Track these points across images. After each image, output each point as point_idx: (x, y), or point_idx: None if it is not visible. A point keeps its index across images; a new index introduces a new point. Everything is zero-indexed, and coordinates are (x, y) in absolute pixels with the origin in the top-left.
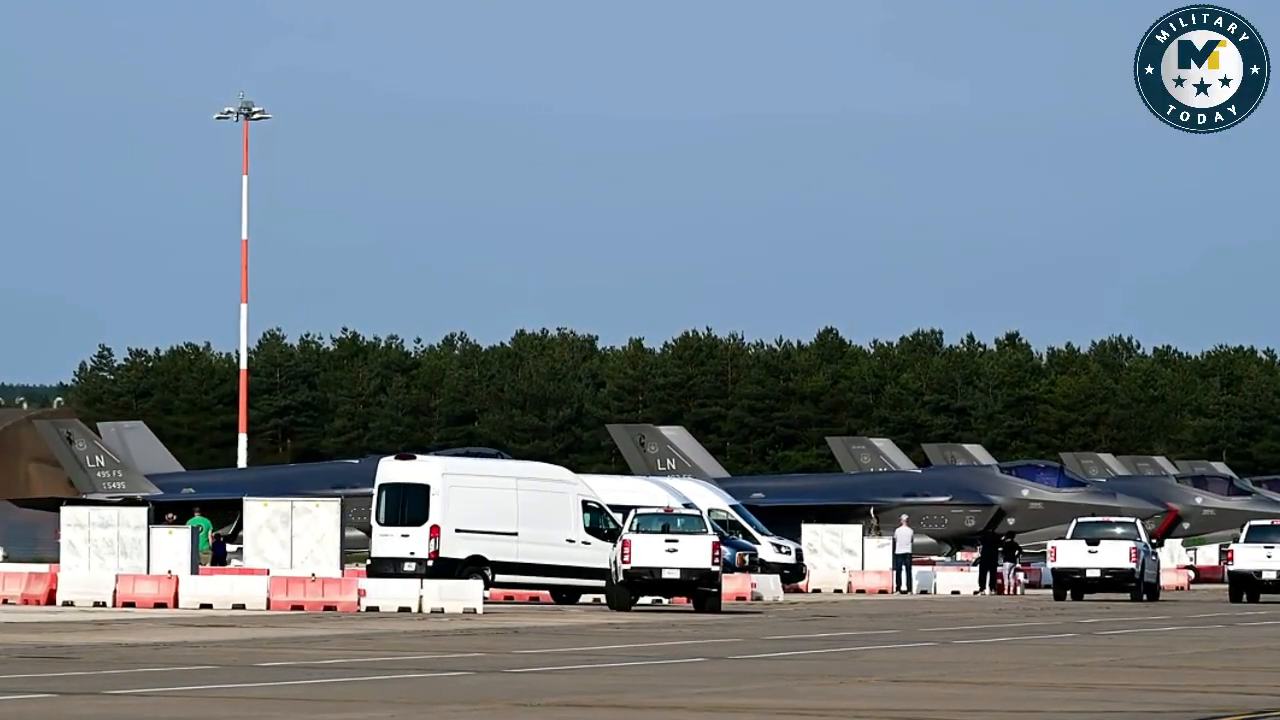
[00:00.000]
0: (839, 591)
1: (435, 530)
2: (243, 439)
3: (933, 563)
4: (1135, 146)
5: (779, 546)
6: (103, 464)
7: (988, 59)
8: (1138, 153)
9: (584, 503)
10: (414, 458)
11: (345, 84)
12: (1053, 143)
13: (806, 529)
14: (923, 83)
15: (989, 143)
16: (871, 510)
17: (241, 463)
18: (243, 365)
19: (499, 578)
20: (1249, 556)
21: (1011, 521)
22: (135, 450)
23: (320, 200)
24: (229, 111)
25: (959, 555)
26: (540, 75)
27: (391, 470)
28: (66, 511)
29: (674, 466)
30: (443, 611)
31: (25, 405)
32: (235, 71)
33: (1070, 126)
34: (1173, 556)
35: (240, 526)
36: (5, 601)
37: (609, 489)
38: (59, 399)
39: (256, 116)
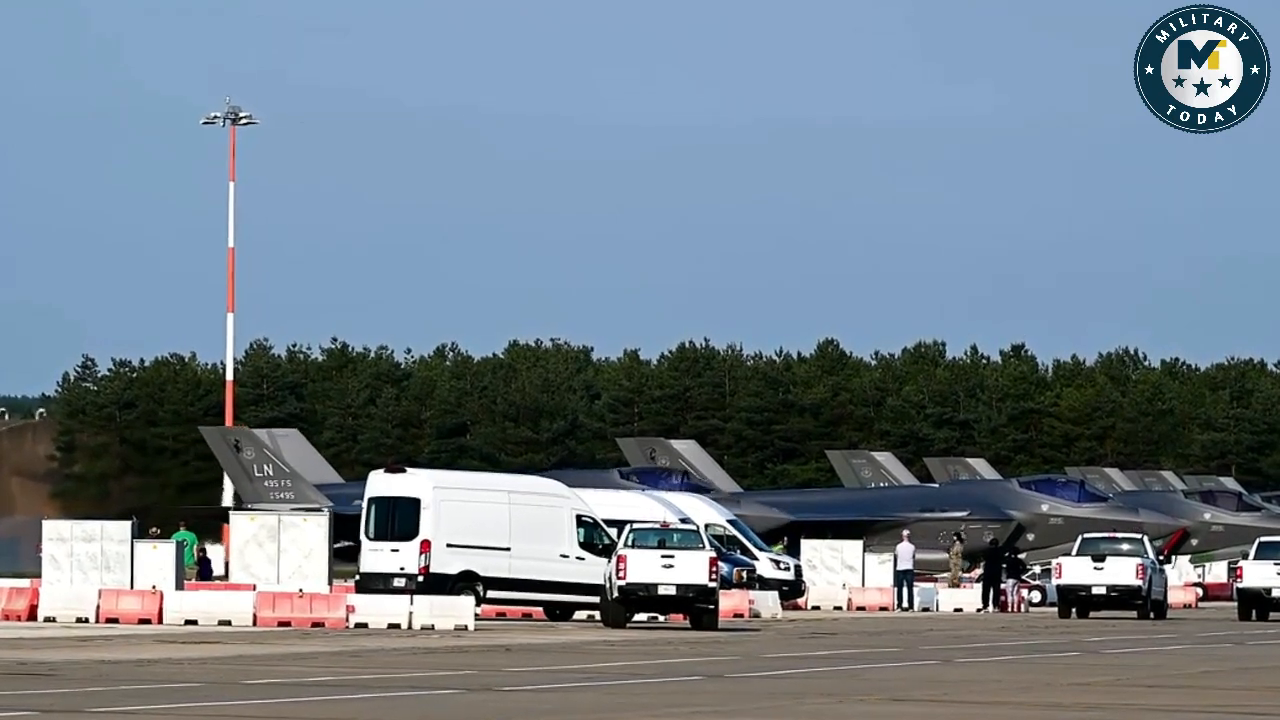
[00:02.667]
0: (839, 609)
1: (426, 545)
2: None
3: (934, 579)
4: (1135, 147)
5: (778, 562)
6: (270, 473)
7: (987, 63)
8: (1138, 154)
9: (578, 517)
10: (404, 470)
11: (335, 89)
12: (1054, 147)
13: (806, 544)
14: (922, 89)
15: (990, 149)
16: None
17: (227, 476)
18: (229, 376)
19: (491, 594)
20: (1259, 574)
21: (1031, 537)
22: (292, 459)
23: (309, 207)
24: (215, 116)
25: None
26: (534, 80)
27: (381, 483)
28: (48, 525)
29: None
30: (433, 628)
31: (6, 416)
32: (222, 76)
33: (1071, 129)
34: (1180, 573)
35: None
36: None
37: (604, 503)
38: (41, 410)
39: (243, 122)
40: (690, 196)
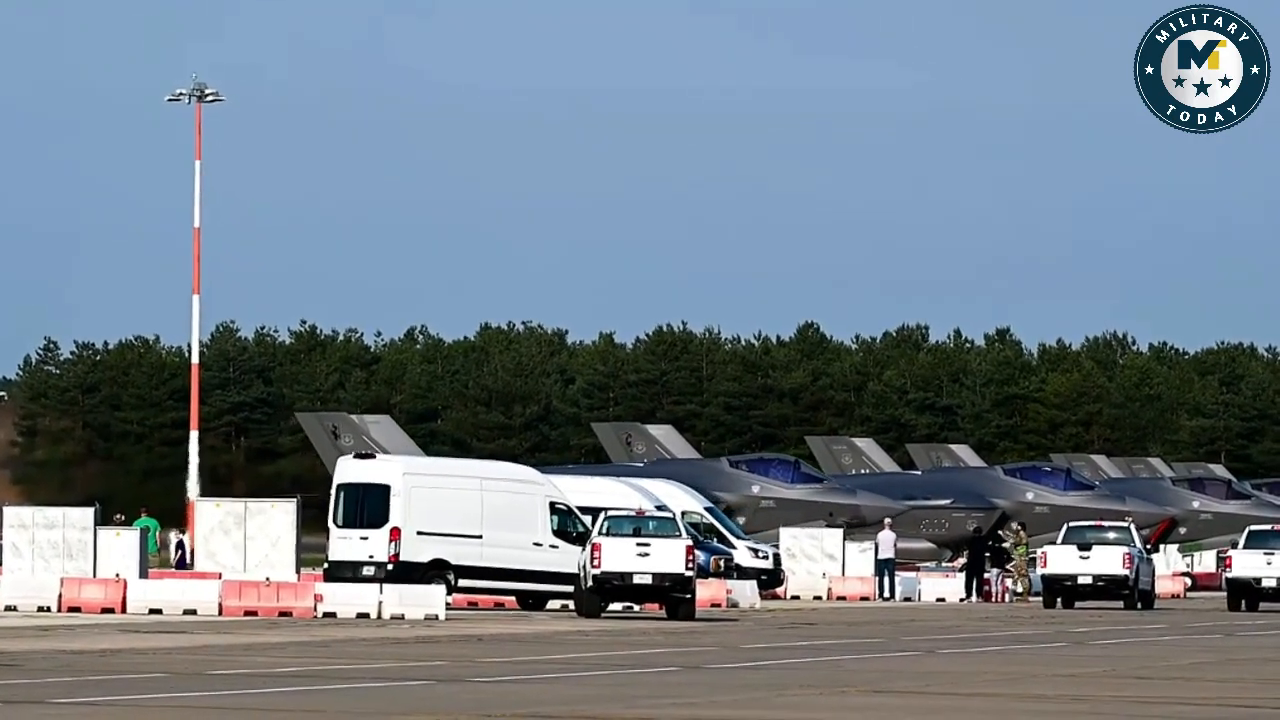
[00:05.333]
0: (819, 598)
1: (396, 533)
2: (194, 436)
3: (916, 568)
4: (1135, 146)
5: (756, 551)
6: None
7: (983, 53)
8: (1137, 152)
9: (552, 504)
10: (373, 456)
11: (303, 67)
12: (1048, 139)
13: (785, 533)
14: (912, 72)
15: (980, 135)
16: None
17: (193, 462)
18: (194, 359)
19: (462, 582)
20: (1248, 563)
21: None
22: (387, 445)
23: (276, 187)
24: (181, 93)
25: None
26: (508, 59)
27: (350, 470)
28: (9, 512)
29: None
30: (403, 618)
31: None
32: (188, 52)
33: (1068, 125)
34: (1168, 563)
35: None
36: None
37: (578, 490)
38: (2, 394)
39: (210, 99)
40: (667, 177)
